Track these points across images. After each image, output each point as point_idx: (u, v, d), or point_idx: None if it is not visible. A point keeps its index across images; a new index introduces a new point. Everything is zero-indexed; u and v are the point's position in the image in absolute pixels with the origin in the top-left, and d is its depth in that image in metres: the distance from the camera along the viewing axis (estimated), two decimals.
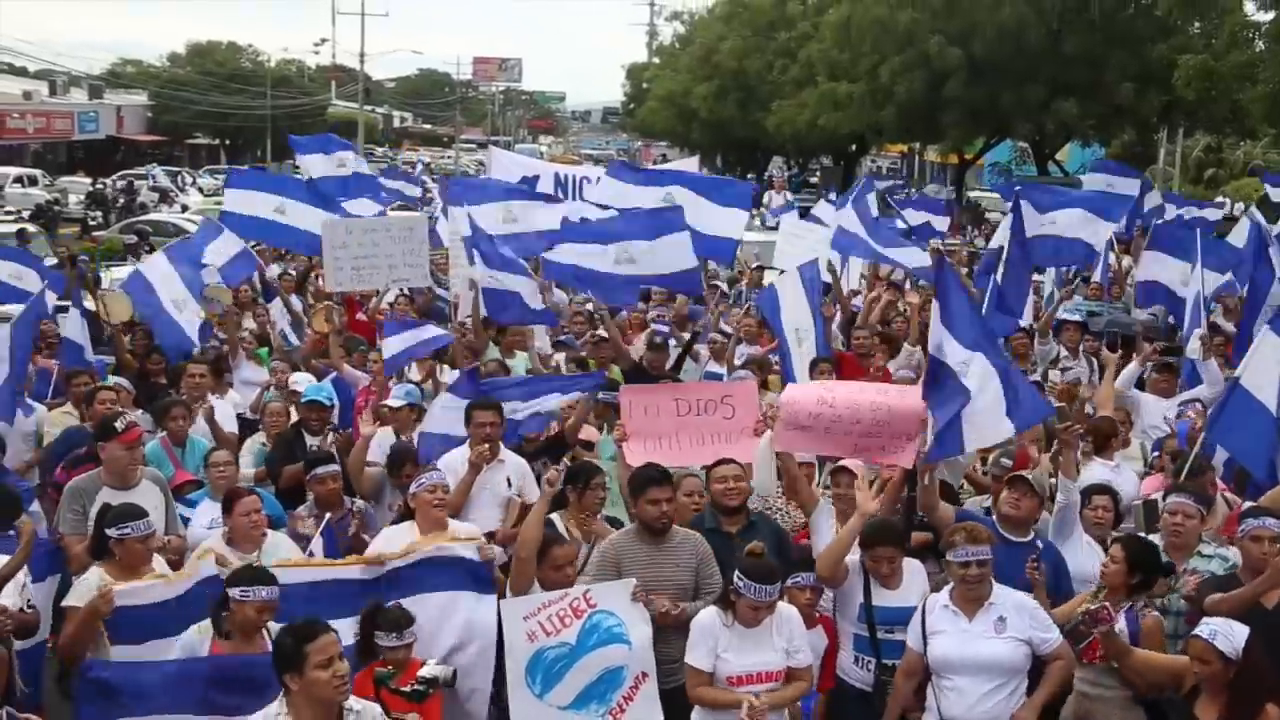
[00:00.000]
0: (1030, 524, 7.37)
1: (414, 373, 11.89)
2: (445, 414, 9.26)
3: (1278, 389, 8.27)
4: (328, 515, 8.13)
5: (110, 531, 6.81)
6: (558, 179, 16.09)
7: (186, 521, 8.34)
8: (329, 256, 13.78)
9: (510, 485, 8.54)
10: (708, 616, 6.57)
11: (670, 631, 6.92)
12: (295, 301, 15.17)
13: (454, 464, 8.46)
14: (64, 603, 6.69)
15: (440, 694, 6.19)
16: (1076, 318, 14.06)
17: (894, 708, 6.68)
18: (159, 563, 7.16)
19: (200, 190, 53.28)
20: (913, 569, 7.07)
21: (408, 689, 5.21)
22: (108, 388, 10.10)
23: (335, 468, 8.36)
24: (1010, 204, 12.65)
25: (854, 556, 7.12)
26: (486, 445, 8.26)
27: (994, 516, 7.53)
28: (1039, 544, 7.30)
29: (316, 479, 8.26)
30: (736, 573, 6.42)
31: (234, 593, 6.19)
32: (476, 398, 8.98)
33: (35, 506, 8.36)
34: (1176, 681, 6.08)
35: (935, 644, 6.41)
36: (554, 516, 7.85)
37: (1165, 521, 7.36)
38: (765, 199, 35.72)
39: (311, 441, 9.57)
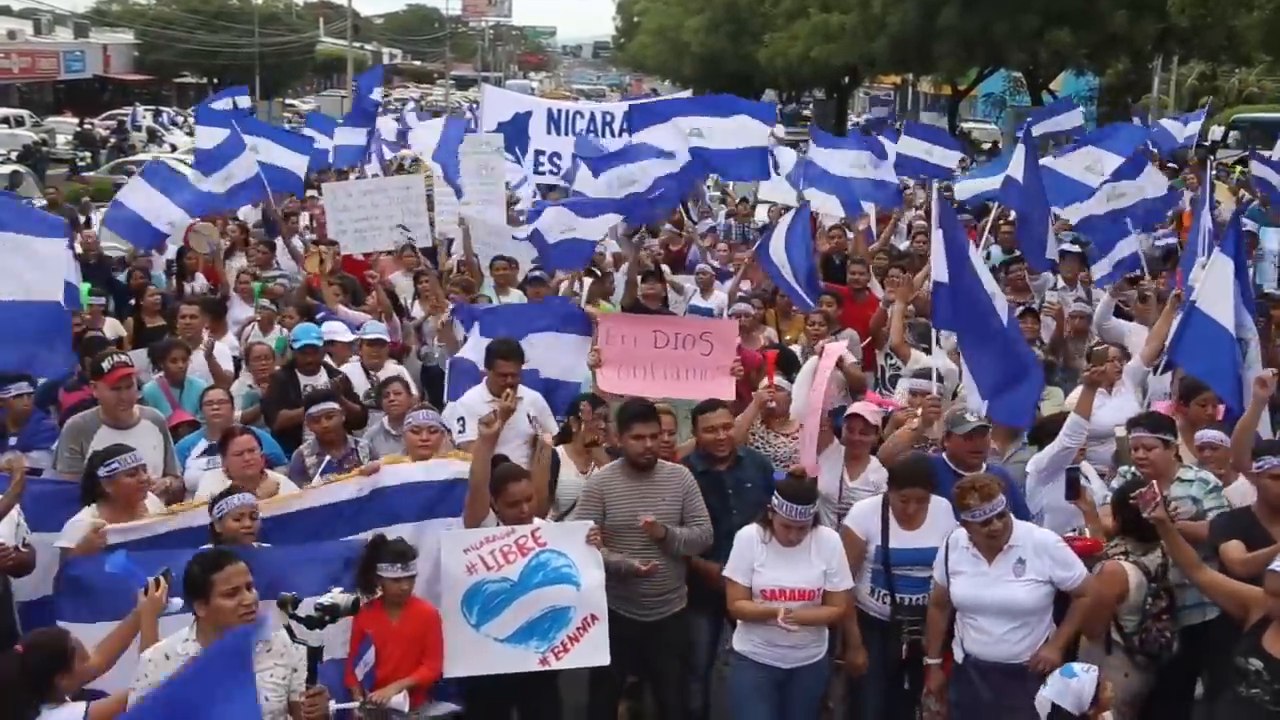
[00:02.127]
0: (984, 458, 7.35)
1: (417, 309, 11.92)
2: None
3: (1233, 309, 8.30)
4: (328, 455, 8.12)
5: (100, 472, 6.82)
6: (550, 114, 15.96)
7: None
8: (332, 220, 13.86)
9: (531, 421, 8.53)
10: (748, 533, 6.73)
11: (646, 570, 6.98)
12: (296, 242, 15.14)
13: (472, 404, 8.44)
14: (56, 544, 6.69)
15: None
16: (1077, 249, 14.01)
17: (933, 639, 6.74)
18: (154, 503, 7.18)
19: (190, 133, 52.81)
20: (939, 509, 6.99)
21: (303, 614, 5.16)
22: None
23: (332, 405, 8.34)
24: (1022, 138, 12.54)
25: (875, 499, 7.17)
26: (511, 393, 8.06)
27: (944, 455, 7.48)
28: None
29: (312, 418, 8.26)
30: (775, 492, 6.57)
31: (211, 513, 6.44)
32: (497, 342, 8.87)
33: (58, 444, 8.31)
34: (1243, 610, 6.05)
35: (956, 585, 6.47)
36: (559, 449, 7.93)
37: (1132, 457, 7.39)
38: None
39: (306, 381, 9.55)
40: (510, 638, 6.65)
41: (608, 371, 8.24)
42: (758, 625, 6.65)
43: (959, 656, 6.55)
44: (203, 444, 8.40)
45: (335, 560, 6.53)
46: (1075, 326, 11.08)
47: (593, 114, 16.11)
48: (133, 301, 12.72)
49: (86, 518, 6.68)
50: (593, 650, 6.71)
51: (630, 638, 6.90)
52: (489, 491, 6.87)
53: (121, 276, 13.88)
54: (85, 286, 12.05)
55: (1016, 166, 12.73)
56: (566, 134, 15.43)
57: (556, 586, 6.68)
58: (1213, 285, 8.41)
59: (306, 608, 5.16)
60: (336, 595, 5.25)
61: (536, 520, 6.93)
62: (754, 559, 6.64)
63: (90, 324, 10.83)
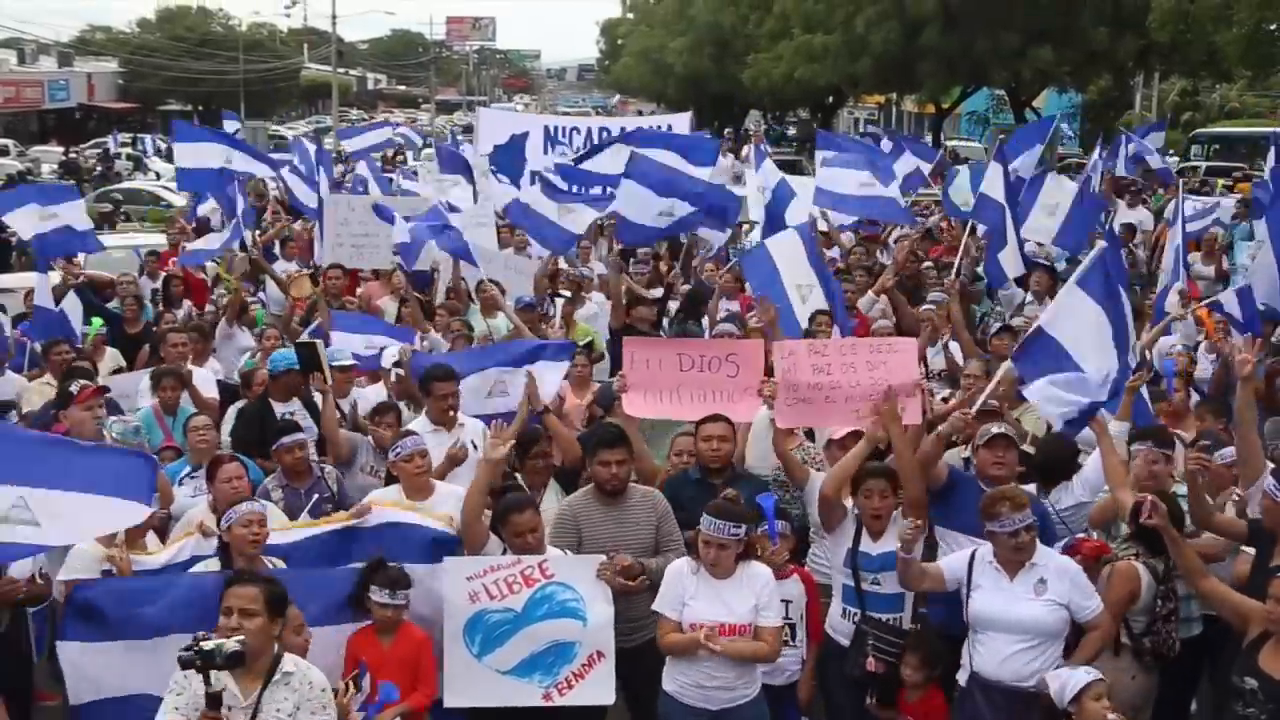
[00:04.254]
0: (1014, 477, 7.22)
1: None
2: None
3: (1091, 347, 7.83)
4: (295, 486, 8.08)
5: None
6: (547, 132, 15.98)
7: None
8: (329, 231, 13.80)
9: (476, 448, 8.41)
10: (678, 565, 6.56)
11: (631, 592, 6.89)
12: (292, 266, 15.13)
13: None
14: (63, 576, 6.65)
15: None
16: (1048, 263, 14.11)
17: (910, 572, 6.56)
18: (149, 536, 7.20)
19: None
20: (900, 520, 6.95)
21: (180, 655, 5.02)
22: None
23: (300, 437, 8.25)
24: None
25: (850, 504, 7.11)
26: (460, 435, 8.10)
27: (974, 471, 7.46)
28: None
29: (283, 448, 8.13)
30: (703, 514, 6.41)
31: (220, 523, 6.41)
32: (432, 367, 8.82)
33: None
34: (1243, 622, 6.02)
35: (975, 599, 6.39)
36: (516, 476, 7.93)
37: (1137, 471, 7.27)
38: (744, 152, 35.52)
39: (281, 410, 9.40)
40: (513, 670, 6.55)
41: (634, 396, 8.14)
42: (685, 664, 6.45)
43: (963, 678, 6.47)
44: (186, 471, 8.36)
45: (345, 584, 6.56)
46: None
47: (589, 130, 16.10)
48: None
49: (90, 549, 6.67)
50: (598, 689, 6.60)
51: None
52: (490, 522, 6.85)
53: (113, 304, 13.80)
54: (96, 322, 12.02)
55: (992, 184, 12.82)
56: (563, 151, 15.44)
57: (561, 620, 6.57)
58: (1063, 314, 7.94)
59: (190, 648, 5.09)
60: (226, 643, 5.14)
61: (549, 549, 6.82)
62: (684, 592, 6.44)
63: (88, 356, 10.77)
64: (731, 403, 8.12)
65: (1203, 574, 6.33)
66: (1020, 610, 6.27)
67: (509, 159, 14.93)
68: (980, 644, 6.38)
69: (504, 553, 6.74)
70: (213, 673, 5.01)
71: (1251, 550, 6.59)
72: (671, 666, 6.54)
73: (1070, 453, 7.74)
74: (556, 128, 16.17)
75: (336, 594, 6.54)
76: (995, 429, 7.30)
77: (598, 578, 6.64)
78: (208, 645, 5.02)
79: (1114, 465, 7.20)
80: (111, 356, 11.47)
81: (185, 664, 5.01)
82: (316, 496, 7.93)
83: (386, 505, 7.24)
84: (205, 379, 10.30)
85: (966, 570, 6.48)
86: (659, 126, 16.47)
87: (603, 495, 7.16)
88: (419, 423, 8.55)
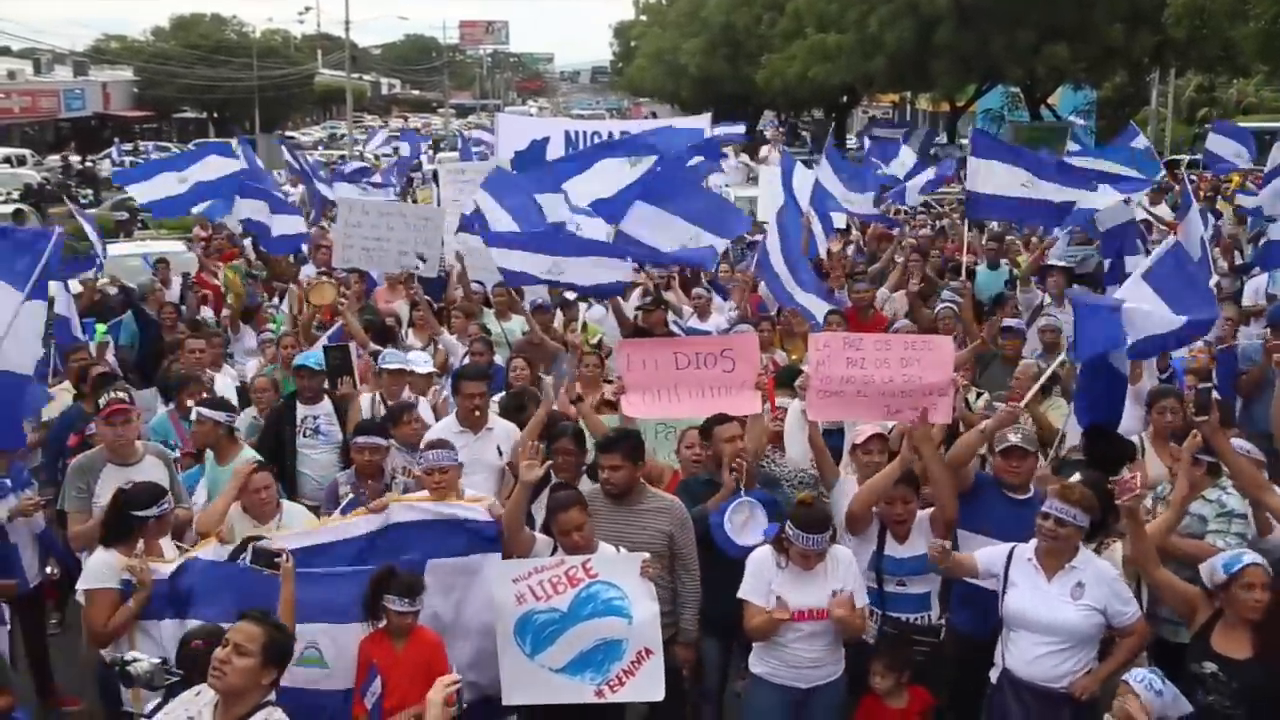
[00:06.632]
0: (1030, 481, 7.22)
1: (413, 339, 11.87)
2: None
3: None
4: (363, 489, 8.00)
5: (145, 513, 6.77)
6: (568, 137, 15.95)
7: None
8: (340, 232, 13.75)
9: (501, 454, 8.47)
10: (763, 554, 6.66)
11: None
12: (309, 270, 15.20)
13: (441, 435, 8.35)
14: (85, 586, 6.64)
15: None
16: (1062, 264, 14.02)
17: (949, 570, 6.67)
18: (166, 543, 7.15)
19: None
20: (923, 521, 7.06)
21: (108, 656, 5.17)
22: None
23: (378, 440, 8.16)
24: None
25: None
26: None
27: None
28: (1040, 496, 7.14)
29: (357, 446, 8.10)
30: (788, 523, 6.51)
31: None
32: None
33: (31, 491, 8.30)
34: (1190, 609, 6.03)
35: (1010, 597, 6.37)
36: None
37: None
38: (762, 153, 35.51)
39: (304, 412, 9.33)
40: (565, 668, 6.64)
41: (633, 397, 8.11)
42: (773, 648, 6.59)
43: (995, 675, 6.48)
44: (203, 481, 8.36)
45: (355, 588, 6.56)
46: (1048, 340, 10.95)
47: (611, 133, 16.06)
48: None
49: (111, 559, 6.64)
50: (648, 685, 6.67)
51: None
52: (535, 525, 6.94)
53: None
54: (100, 328, 12.05)
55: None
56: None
57: (608, 619, 6.64)
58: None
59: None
60: (143, 661, 5.19)
61: (604, 546, 6.85)
62: (771, 580, 6.57)
63: (95, 361, 10.81)
64: (729, 398, 8.09)
65: (1155, 563, 6.26)
66: (1055, 613, 6.24)
67: (530, 165, 14.87)
68: (1012, 642, 6.37)
69: (553, 551, 6.81)
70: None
71: None
72: (760, 650, 6.71)
73: (1124, 446, 7.71)
74: (577, 132, 16.13)
75: (352, 593, 6.53)
76: (1012, 438, 7.22)
77: (641, 575, 6.70)
78: (127, 658, 5.29)
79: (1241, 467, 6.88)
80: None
81: (109, 664, 5.28)
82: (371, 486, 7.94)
83: (409, 499, 7.23)
84: (226, 386, 10.33)
85: (1004, 567, 6.45)
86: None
87: (609, 495, 7.23)
88: (446, 423, 8.55)
